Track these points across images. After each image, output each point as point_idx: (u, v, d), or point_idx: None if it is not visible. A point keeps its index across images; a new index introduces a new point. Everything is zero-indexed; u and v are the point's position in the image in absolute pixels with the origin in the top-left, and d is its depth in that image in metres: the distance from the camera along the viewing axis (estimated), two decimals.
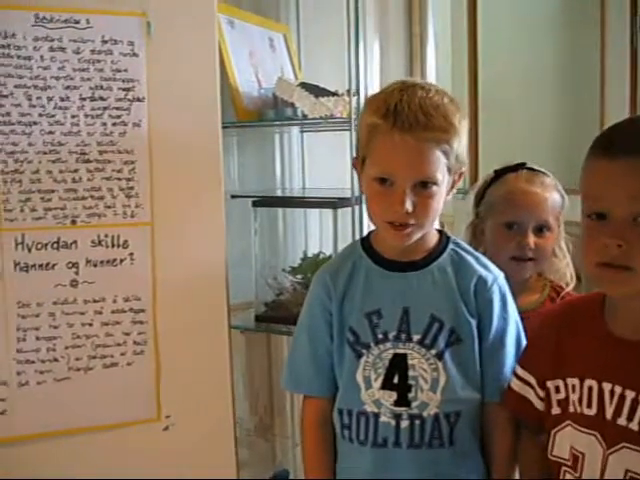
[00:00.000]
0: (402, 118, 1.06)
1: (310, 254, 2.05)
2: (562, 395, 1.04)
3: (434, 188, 1.11)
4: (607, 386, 0.97)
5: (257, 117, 1.90)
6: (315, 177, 2.17)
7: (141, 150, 1.48)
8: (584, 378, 1.00)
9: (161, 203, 1.50)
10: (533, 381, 1.10)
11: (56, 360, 1.46)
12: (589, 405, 0.99)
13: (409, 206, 1.09)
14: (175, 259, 1.52)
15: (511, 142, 2.74)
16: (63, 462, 1.47)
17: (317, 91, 1.84)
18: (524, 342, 1.19)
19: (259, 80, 1.97)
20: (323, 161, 2.12)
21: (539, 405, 1.10)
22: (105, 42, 1.45)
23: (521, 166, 1.48)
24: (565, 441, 1.02)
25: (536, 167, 1.48)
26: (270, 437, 2.24)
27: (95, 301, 1.48)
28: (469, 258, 1.20)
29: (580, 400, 1.00)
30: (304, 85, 1.86)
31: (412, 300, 1.16)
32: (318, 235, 2.07)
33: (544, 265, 1.46)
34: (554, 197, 1.43)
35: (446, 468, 1.16)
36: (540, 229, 1.40)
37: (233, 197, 1.90)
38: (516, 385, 1.13)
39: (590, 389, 0.99)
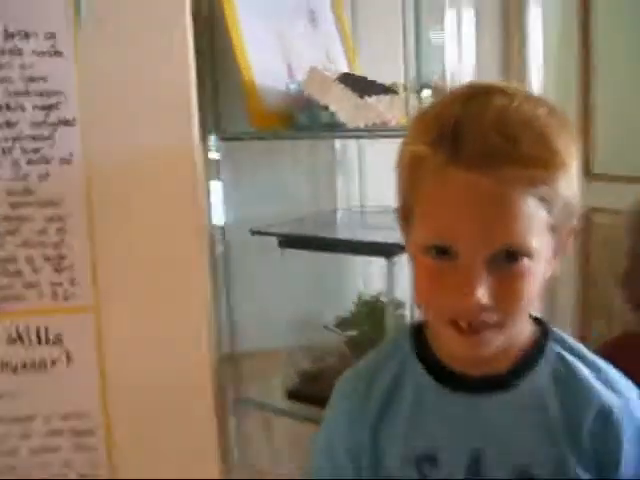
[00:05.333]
0: (465, 145, 0.73)
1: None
2: None
3: (526, 261, 0.76)
4: None
5: (283, 123, 1.43)
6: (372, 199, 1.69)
7: (74, 199, 1.11)
8: None
9: (107, 279, 1.12)
10: None
11: None
12: None
13: (482, 294, 0.75)
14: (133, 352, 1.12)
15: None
16: None
17: (364, 87, 1.37)
18: None
19: (292, 71, 1.52)
20: (380, 179, 1.62)
21: None
22: (10, 37, 1.04)
23: None
24: None
25: None
26: None
27: (19, 420, 1.10)
28: (582, 369, 0.83)
29: None
30: (346, 78, 1.37)
31: (487, 440, 0.84)
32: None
33: None
34: None
35: None
36: None
37: (254, 234, 1.48)
38: None
39: None
